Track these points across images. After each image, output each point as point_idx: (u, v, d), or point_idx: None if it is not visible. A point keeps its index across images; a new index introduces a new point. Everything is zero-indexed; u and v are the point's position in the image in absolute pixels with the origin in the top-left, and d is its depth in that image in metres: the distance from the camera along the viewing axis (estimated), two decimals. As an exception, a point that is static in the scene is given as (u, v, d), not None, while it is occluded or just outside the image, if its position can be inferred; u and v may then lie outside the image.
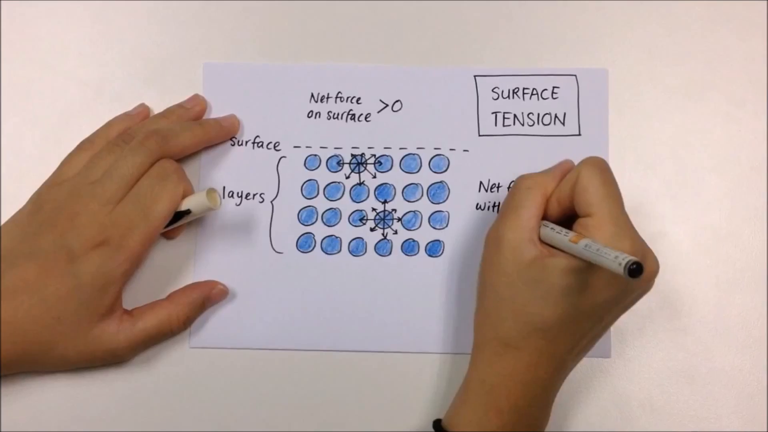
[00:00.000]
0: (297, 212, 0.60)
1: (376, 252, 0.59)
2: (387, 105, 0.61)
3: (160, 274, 0.59)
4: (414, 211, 0.60)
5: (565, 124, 0.60)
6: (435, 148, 0.60)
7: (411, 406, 0.58)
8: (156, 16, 0.62)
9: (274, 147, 0.60)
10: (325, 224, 0.60)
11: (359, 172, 0.60)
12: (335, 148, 0.60)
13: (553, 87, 0.61)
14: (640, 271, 0.43)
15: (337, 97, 0.61)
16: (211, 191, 0.55)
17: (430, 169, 0.60)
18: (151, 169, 0.55)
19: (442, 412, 0.57)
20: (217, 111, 0.61)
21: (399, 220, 0.60)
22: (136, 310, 0.57)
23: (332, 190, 0.60)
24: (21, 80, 0.61)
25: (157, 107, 0.61)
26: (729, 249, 0.59)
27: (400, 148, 0.60)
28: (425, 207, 0.60)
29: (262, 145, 0.60)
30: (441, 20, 0.62)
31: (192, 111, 0.60)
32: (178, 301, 0.57)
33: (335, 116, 0.61)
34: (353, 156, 0.60)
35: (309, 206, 0.60)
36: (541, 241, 0.51)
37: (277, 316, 0.59)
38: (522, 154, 0.60)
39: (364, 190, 0.60)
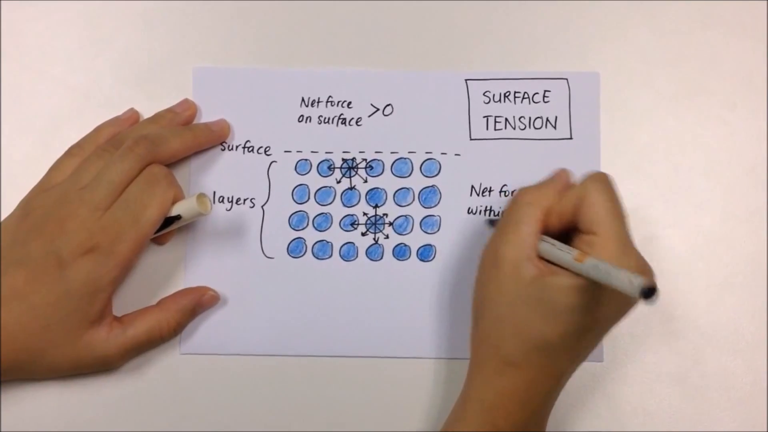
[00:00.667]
0: (288, 217, 0.59)
1: (368, 257, 0.59)
2: (378, 109, 0.61)
3: (150, 280, 0.59)
4: (405, 216, 0.59)
5: (557, 127, 0.60)
6: (426, 152, 0.60)
7: (403, 411, 0.58)
8: (145, 20, 0.62)
9: (265, 152, 0.60)
10: (316, 229, 0.59)
11: (350, 177, 0.60)
12: (326, 152, 0.60)
13: (545, 90, 0.60)
14: (653, 293, 0.42)
15: (327, 102, 0.61)
16: (201, 196, 0.55)
17: (422, 173, 0.60)
18: (140, 174, 0.55)
19: (434, 417, 0.57)
20: (207, 115, 0.61)
21: (390, 224, 0.59)
22: (126, 317, 0.56)
23: (323, 195, 0.60)
24: (9, 85, 0.61)
25: (147, 112, 0.60)
26: (721, 252, 0.59)
27: (392, 153, 0.60)
28: (417, 211, 0.60)
29: (252, 150, 0.60)
30: (432, 24, 0.61)
31: (182, 116, 0.60)
32: (168, 308, 0.57)
33: (326, 120, 0.61)
34: (344, 160, 0.60)
35: (300, 211, 0.60)
36: (539, 257, 0.50)
37: (269, 321, 0.58)
38: (513, 158, 0.60)
39: (355, 195, 0.60)
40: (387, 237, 0.59)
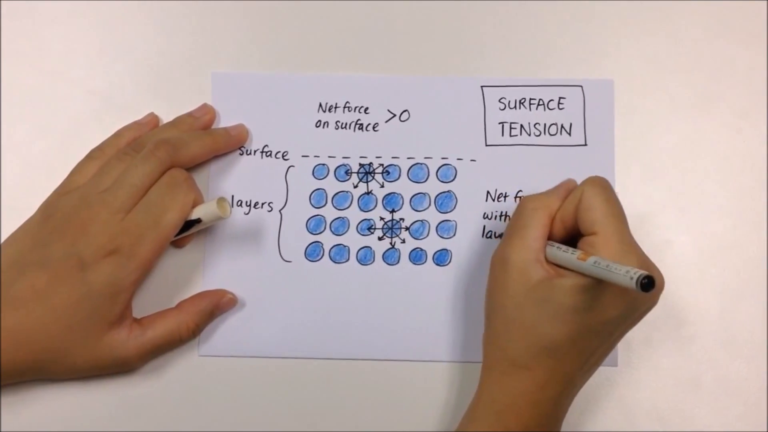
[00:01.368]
0: (305, 221, 0.60)
1: (384, 261, 0.60)
2: (395, 115, 0.61)
3: (169, 283, 0.59)
4: (422, 221, 0.60)
5: (572, 134, 0.61)
6: (442, 158, 0.61)
7: (418, 414, 0.58)
8: (164, 25, 0.62)
9: (283, 156, 0.61)
10: (333, 233, 0.60)
11: (367, 182, 0.61)
12: (343, 157, 0.61)
13: (560, 97, 0.61)
14: (652, 285, 0.43)
15: (345, 107, 0.61)
16: (221, 200, 0.55)
17: (438, 178, 0.60)
18: (161, 178, 0.55)
19: (448, 420, 0.57)
20: (225, 120, 0.61)
21: (407, 229, 0.60)
22: (145, 319, 0.57)
23: (340, 200, 0.60)
24: (30, 89, 0.62)
25: (166, 117, 0.61)
26: (734, 258, 0.59)
27: (408, 158, 0.61)
28: (433, 216, 0.60)
29: (270, 155, 0.61)
30: (448, 31, 0.62)
31: (201, 120, 0.60)
32: (187, 310, 0.57)
33: (343, 126, 0.61)
34: (361, 165, 0.61)
35: (317, 215, 0.60)
36: (547, 261, 0.52)
37: (286, 324, 0.59)
38: (528, 164, 0.60)
39: (372, 200, 0.60)
40: (403, 241, 0.60)
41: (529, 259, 0.51)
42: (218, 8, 0.63)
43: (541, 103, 0.61)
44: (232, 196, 0.60)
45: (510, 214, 0.60)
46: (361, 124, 0.61)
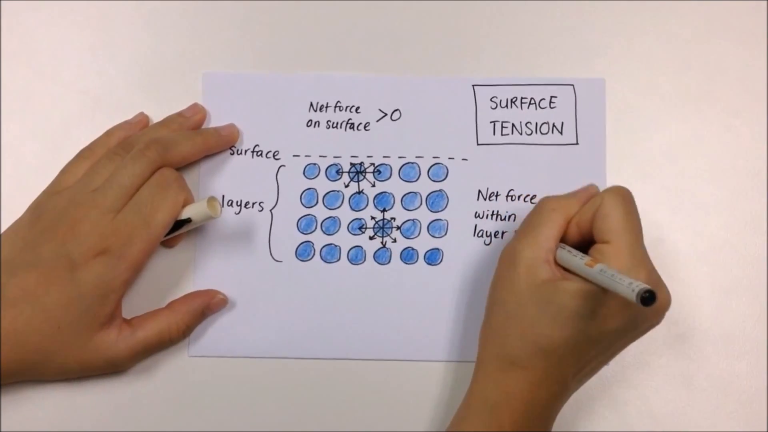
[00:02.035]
0: (296, 221, 0.60)
1: (375, 260, 0.59)
2: (386, 114, 0.61)
3: (159, 283, 0.59)
4: (413, 220, 0.60)
5: (563, 133, 0.61)
6: (434, 157, 0.60)
7: (410, 414, 0.58)
8: (155, 25, 0.62)
9: (274, 156, 0.61)
10: (324, 233, 0.60)
11: (358, 181, 0.60)
12: (334, 157, 0.61)
13: (551, 96, 0.61)
14: (652, 300, 0.42)
15: (336, 107, 0.61)
16: (211, 200, 0.55)
17: (429, 177, 0.60)
18: (151, 178, 0.55)
19: (440, 420, 0.57)
20: (216, 120, 0.61)
21: (398, 228, 0.60)
22: (135, 319, 0.57)
23: (331, 199, 0.60)
24: (20, 89, 0.61)
25: (157, 116, 0.61)
26: (727, 256, 0.59)
27: (399, 157, 0.61)
28: (424, 215, 0.60)
29: (261, 154, 0.61)
30: (440, 30, 0.62)
31: (191, 120, 0.60)
32: (177, 310, 0.57)
33: (334, 125, 0.61)
34: (352, 165, 0.61)
35: (308, 215, 0.60)
36: (557, 264, 0.51)
37: (277, 324, 0.59)
38: (520, 163, 0.60)
39: (363, 199, 0.60)
40: (395, 241, 0.60)
41: (538, 257, 0.51)
42: (209, 8, 0.62)
43: (532, 102, 0.61)
44: (223, 196, 0.60)
45: (501, 213, 0.60)
46: (353, 124, 0.61)
